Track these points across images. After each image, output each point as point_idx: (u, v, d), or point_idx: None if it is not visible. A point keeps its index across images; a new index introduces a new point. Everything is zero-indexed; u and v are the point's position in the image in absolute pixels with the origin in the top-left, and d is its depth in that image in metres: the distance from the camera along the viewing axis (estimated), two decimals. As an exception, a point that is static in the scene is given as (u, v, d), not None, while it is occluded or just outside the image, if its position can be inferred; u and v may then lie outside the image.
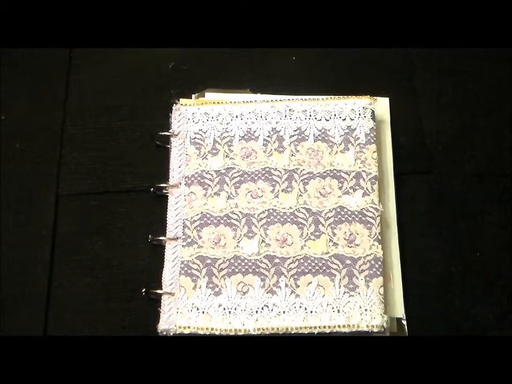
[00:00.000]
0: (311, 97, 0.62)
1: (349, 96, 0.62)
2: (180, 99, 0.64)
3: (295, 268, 0.56)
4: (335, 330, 0.53)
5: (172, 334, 0.54)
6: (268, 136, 0.61)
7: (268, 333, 0.53)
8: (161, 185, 0.61)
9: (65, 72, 0.67)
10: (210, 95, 0.65)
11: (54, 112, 0.65)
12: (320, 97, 0.62)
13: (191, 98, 0.65)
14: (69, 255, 0.60)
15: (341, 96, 0.62)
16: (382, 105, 0.64)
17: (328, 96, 0.62)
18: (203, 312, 0.54)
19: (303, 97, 0.62)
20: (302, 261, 0.56)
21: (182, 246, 0.57)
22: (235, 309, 0.54)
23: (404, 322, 0.56)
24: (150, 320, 0.56)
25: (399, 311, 0.57)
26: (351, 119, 0.61)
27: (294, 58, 0.68)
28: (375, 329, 0.53)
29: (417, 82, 0.67)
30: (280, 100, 0.62)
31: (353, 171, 0.59)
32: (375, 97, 0.62)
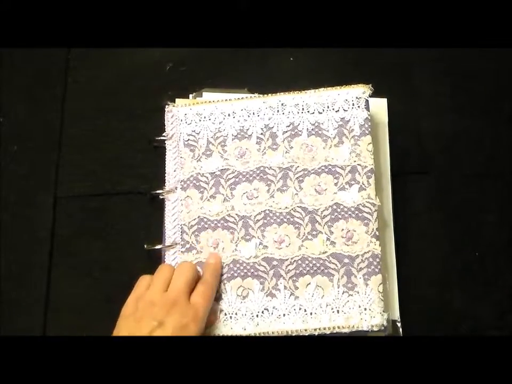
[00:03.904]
0: (305, 91, 0.61)
1: (342, 86, 0.60)
2: (176, 99, 0.63)
3: (293, 269, 0.55)
4: (335, 331, 0.53)
5: None
6: (261, 134, 0.60)
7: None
8: (158, 191, 0.60)
9: (63, 73, 0.67)
10: (207, 95, 0.64)
11: (52, 113, 0.65)
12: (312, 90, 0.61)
13: (189, 99, 0.64)
14: (67, 257, 0.60)
15: (334, 87, 0.61)
16: (380, 106, 0.63)
17: (321, 89, 0.61)
18: None
19: (297, 92, 0.61)
20: (300, 262, 0.55)
21: (181, 252, 0.57)
22: (236, 313, 0.54)
23: (399, 324, 0.56)
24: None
25: (394, 313, 0.56)
26: (345, 110, 0.60)
27: (291, 59, 0.68)
28: (375, 328, 0.52)
29: (416, 82, 0.66)
30: (271, 95, 0.61)
31: (348, 165, 0.58)
32: (368, 85, 0.60)
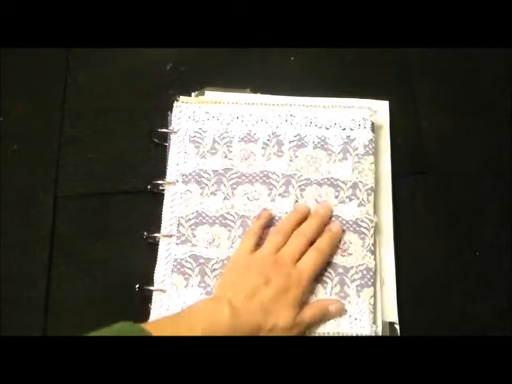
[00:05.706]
0: (313, 99, 0.63)
1: (350, 107, 0.62)
2: (180, 97, 0.64)
3: None
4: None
5: None
6: (268, 140, 0.61)
7: None
8: (158, 182, 0.61)
9: (63, 73, 0.67)
10: (210, 94, 0.65)
11: (52, 113, 0.65)
12: (321, 101, 0.62)
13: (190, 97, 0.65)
14: (68, 257, 0.60)
15: (342, 104, 0.62)
16: (381, 107, 0.64)
17: (330, 104, 0.62)
18: None
19: (305, 99, 0.63)
20: None
21: (176, 243, 0.57)
22: None
23: (397, 326, 0.56)
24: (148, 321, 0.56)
25: (392, 315, 0.56)
26: (351, 129, 0.61)
27: (292, 58, 0.68)
28: None
29: (416, 83, 0.66)
30: (282, 104, 0.62)
31: (350, 181, 0.59)
32: (375, 110, 0.62)
